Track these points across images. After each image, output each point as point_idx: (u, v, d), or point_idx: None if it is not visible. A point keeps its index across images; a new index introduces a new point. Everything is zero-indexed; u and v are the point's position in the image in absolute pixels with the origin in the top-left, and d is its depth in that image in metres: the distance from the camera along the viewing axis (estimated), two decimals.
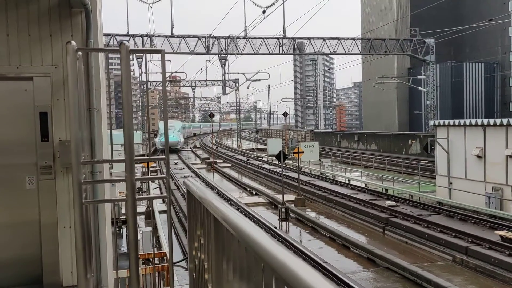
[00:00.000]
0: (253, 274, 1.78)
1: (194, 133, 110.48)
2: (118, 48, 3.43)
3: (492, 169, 19.21)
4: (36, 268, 4.60)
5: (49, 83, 4.56)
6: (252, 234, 1.75)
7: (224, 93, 59.41)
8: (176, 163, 45.65)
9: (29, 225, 4.62)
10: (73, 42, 3.41)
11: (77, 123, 3.39)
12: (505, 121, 18.77)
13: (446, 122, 22.40)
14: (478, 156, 19.79)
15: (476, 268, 12.97)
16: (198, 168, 40.08)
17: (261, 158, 46.17)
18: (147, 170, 21.65)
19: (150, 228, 16.74)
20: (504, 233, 13.95)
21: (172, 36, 36.74)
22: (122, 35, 35.00)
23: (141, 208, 21.78)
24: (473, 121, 20.51)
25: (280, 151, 23.44)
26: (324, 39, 40.06)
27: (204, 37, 37.66)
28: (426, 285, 11.80)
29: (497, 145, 18.90)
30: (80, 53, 3.74)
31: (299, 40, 40.44)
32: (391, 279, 12.84)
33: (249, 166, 39.55)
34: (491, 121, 19.40)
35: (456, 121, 21.64)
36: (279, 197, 22.72)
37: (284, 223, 20.06)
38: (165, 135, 3.98)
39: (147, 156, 32.12)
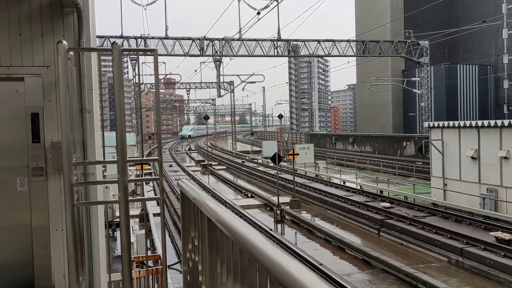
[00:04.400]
0: (248, 276, 1.74)
1: (189, 136, 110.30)
2: (110, 48, 3.39)
3: (487, 170, 19.27)
4: (28, 271, 4.53)
5: (40, 83, 4.50)
6: (246, 235, 1.71)
7: (219, 95, 59.39)
8: (170, 166, 45.52)
9: (20, 227, 4.56)
10: (65, 42, 3.36)
11: (69, 124, 3.35)
12: (499, 122, 18.84)
13: (441, 123, 22.46)
14: (472, 158, 19.85)
15: (472, 269, 12.98)
16: (193, 171, 39.97)
17: (256, 160, 46.13)
18: (141, 172, 21.53)
19: (144, 231, 16.65)
20: (499, 234, 13.98)
21: (166, 38, 36.68)
22: (115, 37, 34.89)
23: (135, 210, 21.68)
24: (468, 123, 20.57)
25: (275, 153, 23.40)
26: (318, 41, 40.13)
27: (199, 39, 37.62)
28: (421, 286, 11.78)
29: (491, 146, 18.96)
30: (71, 53, 3.70)
31: (294, 42, 40.48)
32: (387, 280, 12.83)
33: (244, 168, 39.51)
34: (485, 122, 19.47)
35: (451, 123, 21.70)
36: (274, 199, 22.68)
37: (279, 225, 20.02)
38: (158, 136, 3.93)
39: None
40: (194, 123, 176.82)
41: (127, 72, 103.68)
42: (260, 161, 45.08)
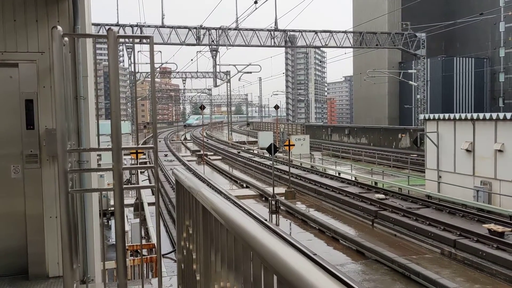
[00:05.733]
0: (242, 264, 1.73)
1: (185, 125, 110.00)
2: (106, 34, 3.35)
3: (481, 163, 19.36)
4: (22, 258, 4.52)
5: (35, 70, 4.46)
6: (242, 223, 1.71)
7: (215, 85, 59.23)
8: (166, 155, 45.47)
9: (14, 214, 4.54)
10: (59, 27, 3.31)
11: (63, 111, 3.31)
12: (494, 115, 18.89)
13: (436, 116, 22.49)
14: (467, 150, 19.92)
15: (464, 260, 13.08)
16: (188, 161, 39.95)
17: (252, 151, 46.16)
18: (136, 161, 21.50)
19: (138, 220, 16.65)
20: (492, 226, 14.08)
21: (163, 26, 36.44)
22: (111, 24, 34.63)
23: (130, 200, 21.66)
24: (463, 115, 20.61)
25: (271, 144, 23.40)
26: (315, 32, 39.99)
27: (195, 28, 37.40)
28: (414, 277, 11.87)
29: (486, 139, 19.02)
30: (66, 39, 3.65)
31: (291, 33, 40.33)
32: (380, 271, 12.91)
33: (240, 159, 39.52)
34: (481, 115, 19.52)
35: (446, 115, 21.74)
36: (269, 189, 22.72)
37: (274, 216, 20.08)
38: (153, 125, 3.91)
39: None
40: (190, 113, 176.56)
41: (123, 60, 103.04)
42: (255, 151, 45.10)
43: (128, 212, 19.38)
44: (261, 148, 43.20)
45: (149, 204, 19.20)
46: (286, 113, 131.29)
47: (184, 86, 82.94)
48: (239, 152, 44.83)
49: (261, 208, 21.12)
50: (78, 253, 3.92)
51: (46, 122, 4.50)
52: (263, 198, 23.42)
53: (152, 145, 3.63)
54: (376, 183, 24.57)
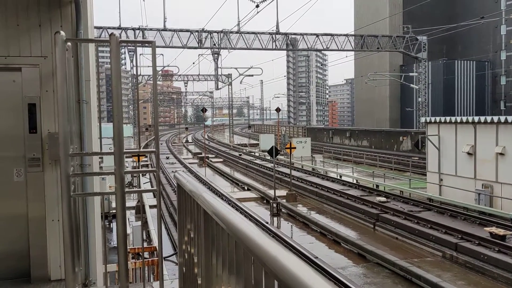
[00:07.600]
0: (243, 268, 1.75)
1: (186, 128, 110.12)
2: (108, 39, 3.37)
3: (482, 166, 19.33)
4: (24, 261, 4.54)
5: (38, 74, 4.49)
6: (243, 228, 1.72)
7: (217, 88, 59.25)
8: (167, 158, 45.51)
9: (16, 218, 4.56)
10: (62, 32, 3.34)
11: (66, 115, 3.34)
12: (495, 118, 18.88)
13: (437, 119, 22.48)
14: (468, 153, 19.90)
15: (466, 264, 13.06)
16: (190, 163, 39.97)
17: (253, 154, 46.16)
18: (138, 164, 21.52)
19: (140, 223, 16.67)
20: (493, 229, 14.06)
21: (165, 29, 36.52)
22: (113, 28, 34.71)
23: (131, 202, 21.67)
24: (464, 119, 20.59)
25: (272, 147, 23.42)
26: (317, 35, 40.03)
27: (197, 31, 37.47)
28: (415, 280, 11.86)
29: (487, 142, 19.01)
30: (69, 44, 3.68)
31: (292, 36, 40.39)
32: (381, 274, 12.90)
33: (241, 161, 39.52)
34: (482, 118, 19.50)
35: (447, 118, 21.73)
36: (270, 192, 22.72)
37: (275, 218, 20.08)
38: (155, 128, 3.94)
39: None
40: (192, 115, 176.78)
41: (125, 63, 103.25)
42: (257, 154, 45.10)
43: (130, 215, 19.40)
44: (263, 151, 43.20)
45: (151, 206, 19.21)
46: (287, 116, 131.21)
47: (186, 89, 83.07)
48: (240, 155, 44.85)
49: (262, 211, 21.12)
50: (80, 256, 3.94)
51: (49, 126, 4.53)
52: (264, 201, 23.42)
53: (154, 149, 3.65)
54: (377, 186, 24.55)
